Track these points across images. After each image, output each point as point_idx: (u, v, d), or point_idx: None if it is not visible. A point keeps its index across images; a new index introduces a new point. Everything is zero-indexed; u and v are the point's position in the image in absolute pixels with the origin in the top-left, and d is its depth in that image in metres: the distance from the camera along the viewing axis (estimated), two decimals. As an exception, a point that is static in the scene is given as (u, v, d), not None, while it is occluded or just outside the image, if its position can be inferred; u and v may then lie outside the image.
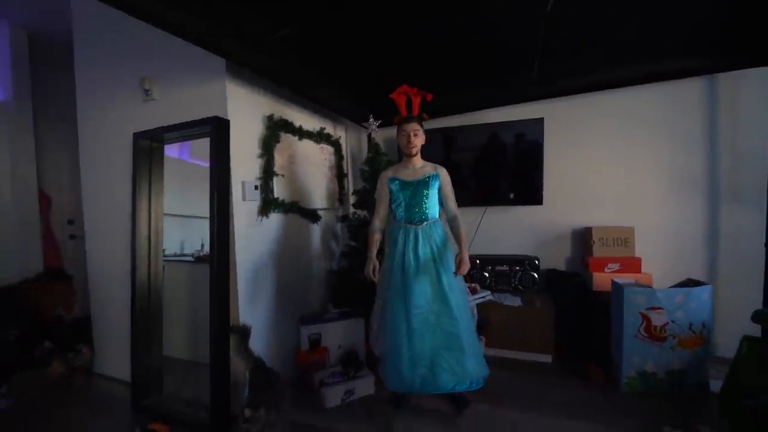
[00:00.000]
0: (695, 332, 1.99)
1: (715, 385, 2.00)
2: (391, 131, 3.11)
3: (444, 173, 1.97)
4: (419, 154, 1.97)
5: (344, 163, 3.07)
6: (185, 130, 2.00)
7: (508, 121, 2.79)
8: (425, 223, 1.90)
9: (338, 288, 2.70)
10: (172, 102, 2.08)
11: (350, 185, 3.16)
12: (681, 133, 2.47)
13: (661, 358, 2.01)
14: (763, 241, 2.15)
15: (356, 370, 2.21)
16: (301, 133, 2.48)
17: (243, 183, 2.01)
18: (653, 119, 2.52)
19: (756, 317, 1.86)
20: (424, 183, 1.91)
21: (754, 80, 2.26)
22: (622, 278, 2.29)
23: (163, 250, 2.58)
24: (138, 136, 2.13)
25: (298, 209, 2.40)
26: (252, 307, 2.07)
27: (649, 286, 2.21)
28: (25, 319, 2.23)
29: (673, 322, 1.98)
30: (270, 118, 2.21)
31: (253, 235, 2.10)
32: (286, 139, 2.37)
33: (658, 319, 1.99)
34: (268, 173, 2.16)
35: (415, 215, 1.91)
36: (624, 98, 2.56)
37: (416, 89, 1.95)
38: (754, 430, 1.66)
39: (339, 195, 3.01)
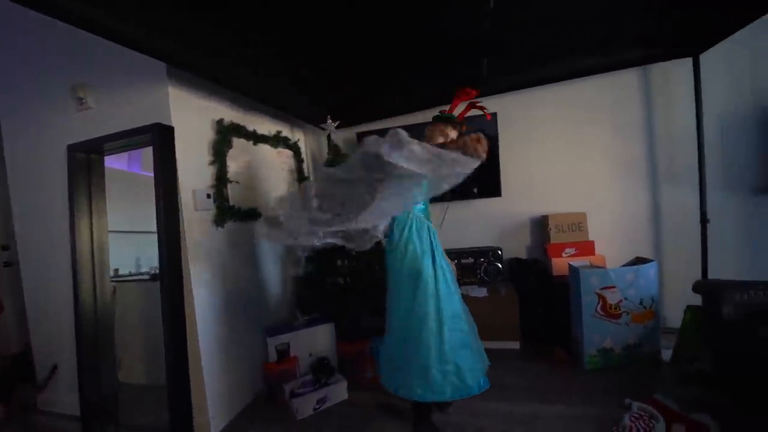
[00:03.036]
0: (646, 307, 2.11)
1: (667, 354, 2.15)
2: (350, 131, 3.11)
3: None
4: None
5: (304, 166, 3.01)
6: (124, 140, 1.87)
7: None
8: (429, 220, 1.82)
9: (305, 294, 2.63)
10: (110, 110, 1.94)
11: (312, 189, 3.09)
12: (621, 121, 2.63)
13: (618, 334, 2.12)
14: (698, 218, 2.34)
15: (328, 376, 2.16)
16: (256, 138, 2.40)
17: (194, 191, 1.91)
18: (596, 110, 2.67)
19: (696, 288, 2.01)
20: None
21: (681, 70, 2.44)
22: (578, 261, 2.40)
23: (116, 270, 2.40)
24: (72, 149, 1.96)
25: (256, 216, 2.32)
26: (212, 322, 1.97)
27: (603, 267, 2.32)
28: None
29: (626, 299, 2.10)
30: (220, 122, 2.11)
31: (209, 247, 2.00)
32: (240, 144, 2.28)
33: (612, 298, 2.10)
34: (221, 180, 2.06)
35: (427, 210, 1.84)
36: (568, 91, 2.69)
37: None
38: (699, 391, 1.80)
39: (301, 199, 2.94)
